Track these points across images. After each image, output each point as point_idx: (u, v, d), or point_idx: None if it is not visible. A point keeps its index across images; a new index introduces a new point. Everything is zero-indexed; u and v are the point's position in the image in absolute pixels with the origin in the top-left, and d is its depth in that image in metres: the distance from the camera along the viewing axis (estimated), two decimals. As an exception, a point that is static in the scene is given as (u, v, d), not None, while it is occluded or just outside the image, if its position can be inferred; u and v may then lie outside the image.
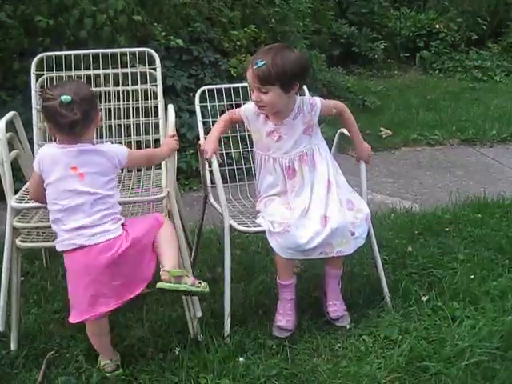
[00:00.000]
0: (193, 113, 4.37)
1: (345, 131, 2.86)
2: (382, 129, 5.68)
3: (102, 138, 2.92)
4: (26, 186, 2.60)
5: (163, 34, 4.71)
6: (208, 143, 2.60)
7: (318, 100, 2.65)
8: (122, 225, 2.24)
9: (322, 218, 2.47)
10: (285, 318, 2.55)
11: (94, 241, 2.16)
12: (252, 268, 3.11)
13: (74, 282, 2.23)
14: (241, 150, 3.04)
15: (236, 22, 5.30)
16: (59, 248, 2.22)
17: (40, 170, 2.23)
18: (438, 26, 9.14)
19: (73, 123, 2.15)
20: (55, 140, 2.33)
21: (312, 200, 2.53)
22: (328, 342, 2.52)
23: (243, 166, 3.02)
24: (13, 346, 2.47)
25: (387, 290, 2.76)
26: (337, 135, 2.92)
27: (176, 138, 2.50)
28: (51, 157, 2.21)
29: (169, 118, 2.49)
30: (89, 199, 2.18)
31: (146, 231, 2.27)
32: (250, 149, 2.92)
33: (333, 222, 2.46)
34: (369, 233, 2.67)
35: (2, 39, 4.51)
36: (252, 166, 2.81)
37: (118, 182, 2.45)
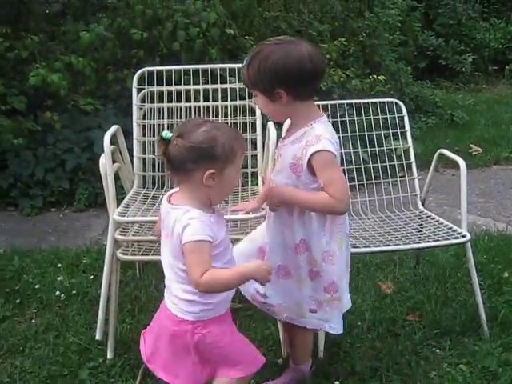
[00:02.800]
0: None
1: (445, 152, 2.78)
2: (471, 146, 5.53)
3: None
4: (126, 198, 2.66)
5: (254, 46, 4.72)
6: None
7: (321, 145, 1.95)
8: None
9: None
10: None
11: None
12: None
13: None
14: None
15: (325, 35, 5.28)
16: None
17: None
18: (529, 38, 8.87)
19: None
20: None
21: None
22: (422, 369, 2.46)
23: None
24: (109, 355, 2.52)
25: (485, 317, 2.65)
26: (435, 156, 2.85)
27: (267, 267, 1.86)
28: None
29: (270, 136, 2.48)
30: None
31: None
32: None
33: None
34: (466, 255, 2.59)
35: (96, 50, 4.65)
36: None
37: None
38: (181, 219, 1.73)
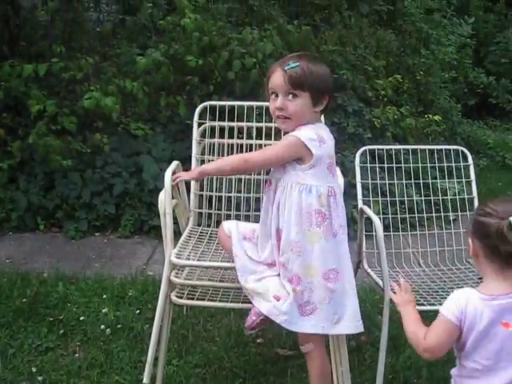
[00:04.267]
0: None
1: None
2: (525, 190, 5.38)
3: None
4: (183, 237, 2.58)
5: (309, 80, 4.66)
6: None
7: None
8: None
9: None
10: None
11: None
12: (398, 340, 2.93)
13: None
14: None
15: (380, 71, 5.18)
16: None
17: (460, 320, 1.75)
18: None
19: None
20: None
21: None
22: None
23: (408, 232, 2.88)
24: (156, 400, 2.42)
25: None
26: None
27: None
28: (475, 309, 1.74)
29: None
30: None
31: None
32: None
33: None
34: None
35: (149, 74, 4.61)
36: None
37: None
38: None
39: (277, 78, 2.15)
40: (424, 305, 2.42)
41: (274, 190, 2.20)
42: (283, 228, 2.15)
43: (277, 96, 2.16)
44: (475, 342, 1.74)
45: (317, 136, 2.13)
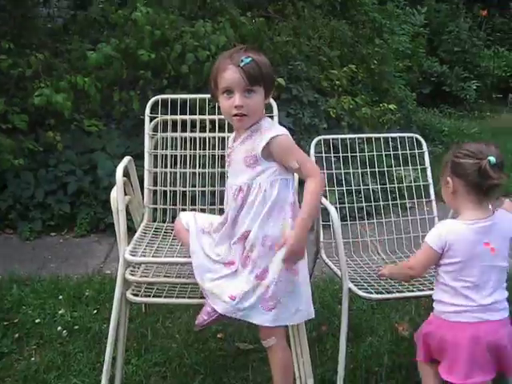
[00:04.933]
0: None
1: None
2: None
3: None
4: (137, 234, 2.54)
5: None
6: None
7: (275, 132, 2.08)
8: None
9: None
10: None
11: (496, 317, 2.06)
12: (359, 328, 2.94)
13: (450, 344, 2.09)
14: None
15: (334, 61, 5.18)
16: (450, 318, 2.09)
17: (442, 248, 2.08)
18: (531, 66, 8.85)
19: (494, 187, 2.04)
20: None
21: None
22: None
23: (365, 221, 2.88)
24: (115, 401, 2.38)
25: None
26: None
27: None
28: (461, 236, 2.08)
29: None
30: (497, 274, 2.09)
31: None
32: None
33: None
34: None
35: (101, 69, 4.52)
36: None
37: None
38: None
39: (232, 76, 2.06)
40: (383, 293, 2.42)
41: (246, 194, 2.12)
42: (254, 225, 2.09)
43: (231, 93, 2.09)
44: (463, 263, 2.06)
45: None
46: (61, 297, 3.19)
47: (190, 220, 2.29)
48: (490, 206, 2.12)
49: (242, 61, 2.04)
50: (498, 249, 2.07)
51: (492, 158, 2.02)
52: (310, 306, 2.20)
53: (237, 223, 2.14)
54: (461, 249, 2.06)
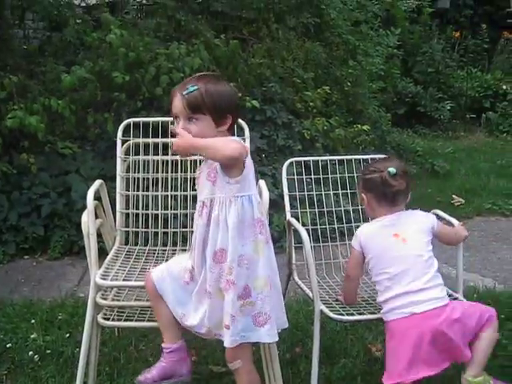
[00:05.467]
0: (264, 175, 4.33)
1: (439, 212, 2.69)
2: (454, 196, 5.50)
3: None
4: (109, 257, 2.53)
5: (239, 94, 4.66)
6: None
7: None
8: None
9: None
10: None
11: (423, 308, 2.22)
12: (332, 350, 2.94)
13: (392, 345, 2.28)
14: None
15: (309, 83, 5.23)
16: (389, 317, 2.30)
17: (361, 247, 2.42)
18: (504, 87, 8.96)
19: (398, 192, 2.39)
20: None
21: None
22: None
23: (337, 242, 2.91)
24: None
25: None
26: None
27: None
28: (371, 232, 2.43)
29: (263, 196, 2.37)
30: (417, 262, 2.31)
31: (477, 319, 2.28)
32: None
33: None
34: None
35: (76, 91, 4.52)
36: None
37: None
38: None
39: (177, 104, 2.14)
40: (354, 314, 2.43)
41: (209, 210, 2.14)
42: (228, 246, 2.10)
43: (178, 119, 2.16)
44: (378, 256, 2.35)
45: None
46: (33, 320, 3.16)
47: (164, 289, 2.25)
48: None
49: (187, 89, 2.12)
50: (411, 238, 2.34)
51: (391, 169, 2.37)
52: (284, 314, 2.26)
53: (207, 244, 2.14)
54: (373, 243, 2.38)
